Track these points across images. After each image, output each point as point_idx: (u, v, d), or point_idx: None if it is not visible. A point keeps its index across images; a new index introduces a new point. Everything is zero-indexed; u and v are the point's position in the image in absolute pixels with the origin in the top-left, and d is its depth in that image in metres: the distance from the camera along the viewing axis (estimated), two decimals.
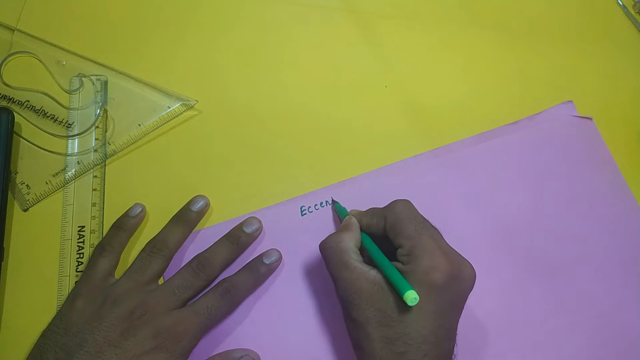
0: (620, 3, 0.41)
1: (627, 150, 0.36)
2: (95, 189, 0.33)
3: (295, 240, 0.32)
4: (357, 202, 0.33)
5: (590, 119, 0.37)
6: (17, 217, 0.32)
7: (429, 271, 0.25)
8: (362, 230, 0.29)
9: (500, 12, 0.40)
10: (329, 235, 0.28)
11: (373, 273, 0.26)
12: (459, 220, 0.33)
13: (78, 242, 0.32)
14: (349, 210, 0.31)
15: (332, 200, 0.33)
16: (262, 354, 0.30)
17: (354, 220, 0.29)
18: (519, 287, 0.32)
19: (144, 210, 0.32)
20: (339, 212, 0.32)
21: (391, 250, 0.27)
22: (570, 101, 0.37)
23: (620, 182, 0.35)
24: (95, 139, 0.34)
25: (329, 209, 0.33)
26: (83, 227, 0.32)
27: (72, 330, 0.27)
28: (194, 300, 0.29)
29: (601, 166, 0.36)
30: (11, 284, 0.31)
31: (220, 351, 0.30)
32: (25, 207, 0.32)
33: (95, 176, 0.33)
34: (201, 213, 0.32)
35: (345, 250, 0.27)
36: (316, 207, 0.33)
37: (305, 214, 0.33)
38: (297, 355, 0.30)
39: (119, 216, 0.32)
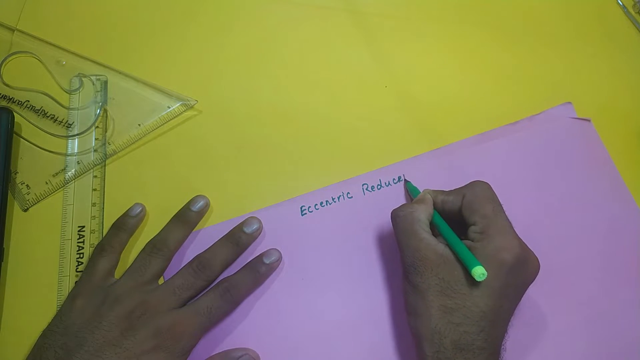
0: (620, 3, 0.41)
1: (626, 151, 0.36)
2: (95, 189, 0.33)
3: (296, 240, 0.32)
4: (356, 202, 0.33)
5: (588, 120, 0.37)
6: (17, 217, 0.32)
7: (501, 250, 0.25)
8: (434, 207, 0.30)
9: (500, 12, 0.40)
10: (403, 204, 0.29)
11: (441, 246, 0.27)
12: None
13: (78, 242, 0.32)
14: (422, 190, 0.32)
15: (405, 179, 0.34)
16: (262, 353, 0.30)
17: (429, 196, 0.30)
18: None
19: (143, 210, 0.32)
20: (410, 191, 0.33)
21: (459, 231, 0.28)
22: (569, 102, 0.37)
23: (619, 183, 0.35)
24: (95, 139, 0.34)
25: (329, 209, 0.33)
26: (83, 227, 0.32)
27: (72, 329, 0.27)
28: (194, 300, 0.29)
29: (600, 167, 0.36)
30: (11, 284, 0.31)
31: (220, 351, 0.30)
32: (26, 207, 0.32)
33: (95, 176, 0.33)
34: (201, 213, 0.32)
35: (417, 220, 0.28)
36: (316, 207, 0.33)
37: (306, 213, 0.33)
38: (296, 355, 0.30)
39: (118, 216, 0.32)
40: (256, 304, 0.31)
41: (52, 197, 0.33)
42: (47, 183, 0.33)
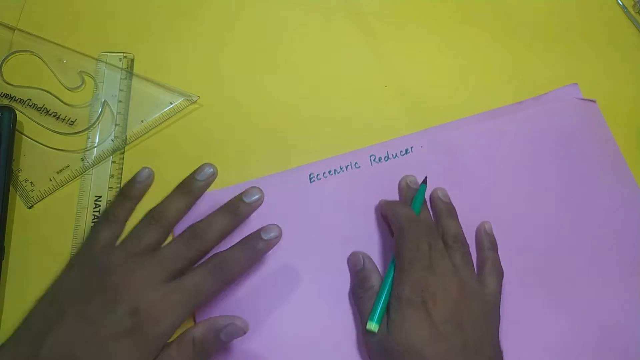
0: (620, 3, 0.41)
1: (627, 151, 0.36)
2: (112, 175, 0.33)
3: (303, 206, 0.32)
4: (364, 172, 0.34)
5: (594, 101, 0.37)
6: (21, 215, 0.32)
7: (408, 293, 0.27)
8: None
9: (500, 12, 0.40)
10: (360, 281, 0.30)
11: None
12: (459, 202, 0.33)
13: (94, 212, 0.32)
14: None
15: (424, 181, 0.32)
16: (264, 320, 0.30)
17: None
18: (518, 280, 0.32)
19: (151, 175, 0.31)
20: (418, 195, 0.32)
21: None
22: (576, 84, 0.37)
23: (622, 165, 0.36)
24: (117, 125, 0.34)
25: (336, 177, 0.33)
26: (100, 197, 0.32)
27: (58, 298, 0.26)
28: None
29: (604, 147, 0.36)
30: (12, 283, 0.31)
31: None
32: (30, 205, 0.32)
33: (114, 162, 0.34)
34: (207, 182, 0.30)
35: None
36: (324, 175, 0.33)
37: (314, 180, 0.33)
38: (300, 323, 0.30)
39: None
40: (262, 267, 0.31)
41: (57, 194, 0.33)
42: (51, 180, 0.33)
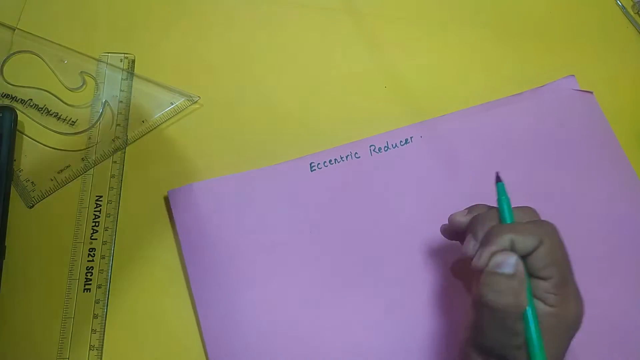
0: (620, 3, 0.41)
1: (627, 152, 0.36)
2: (113, 175, 0.34)
3: (304, 194, 0.33)
4: (363, 161, 0.34)
5: (591, 93, 0.37)
6: (22, 215, 0.32)
7: (579, 317, 0.23)
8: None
9: (500, 12, 0.40)
10: (496, 277, 0.23)
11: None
12: (457, 192, 0.34)
13: (95, 211, 0.32)
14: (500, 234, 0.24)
15: (498, 176, 0.27)
16: (271, 302, 0.30)
17: (521, 267, 0.23)
18: None
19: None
20: (499, 197, 0.26)
21: None
22: (572, 75, 0.37)
23: (622, 159, 0.36)
24: (117, 125, 0.34)
25: (337, 167, 0.34)
26: (100, 196, 0.33)
27: None
28: None
29: (601, 138, 0.36)
30: (12, 283, 0.31)
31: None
32: (31, 204, 0.32)
33: (115, 162, 0.34)
34: None
35: (521, 309, 0.23)
36: (325, 165, 0.34)
37: (315, 169, 0.34)
38: (302, 304, 0.31)
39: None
40: (263, 255, 0.31)
41: (58, 194, 0.33)
42: (52, 180, 0.33)
